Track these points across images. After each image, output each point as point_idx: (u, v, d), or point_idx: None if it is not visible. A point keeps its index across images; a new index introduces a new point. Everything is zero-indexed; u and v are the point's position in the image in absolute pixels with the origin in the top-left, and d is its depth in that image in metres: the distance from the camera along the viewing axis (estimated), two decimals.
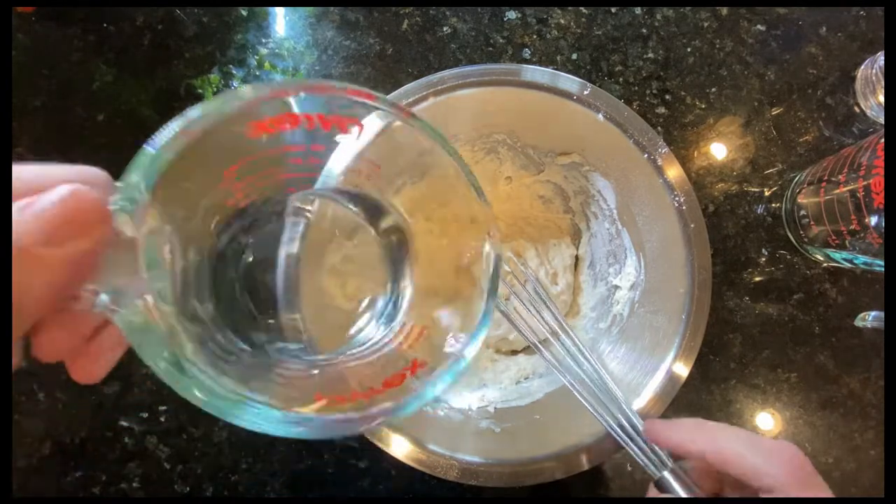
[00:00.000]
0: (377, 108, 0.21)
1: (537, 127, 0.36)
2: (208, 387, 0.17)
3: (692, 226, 0.33)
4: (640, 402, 0.33)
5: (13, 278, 0.15)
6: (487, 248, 0.23)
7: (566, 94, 0.34)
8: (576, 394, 0.32)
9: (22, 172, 0.17)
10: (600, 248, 0.40)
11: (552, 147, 0.38)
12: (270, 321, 0.24)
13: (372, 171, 0.24)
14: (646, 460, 0.29)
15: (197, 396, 0.16)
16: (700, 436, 0.26)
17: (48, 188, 0.16)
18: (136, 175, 0.17)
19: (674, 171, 0.34)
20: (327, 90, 0.20)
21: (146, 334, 0.16)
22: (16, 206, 0.16)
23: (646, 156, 0.34)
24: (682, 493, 0.27)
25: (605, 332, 0.37)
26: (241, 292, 0.23)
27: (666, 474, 0.28)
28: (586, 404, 0.31)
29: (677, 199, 0.33)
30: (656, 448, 0.29)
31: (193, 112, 0.17)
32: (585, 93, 0.34)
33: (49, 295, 0.16)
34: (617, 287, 0.38)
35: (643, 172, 0.34)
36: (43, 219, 0.16)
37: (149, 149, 0.17)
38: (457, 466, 0.31)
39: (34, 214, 0.16)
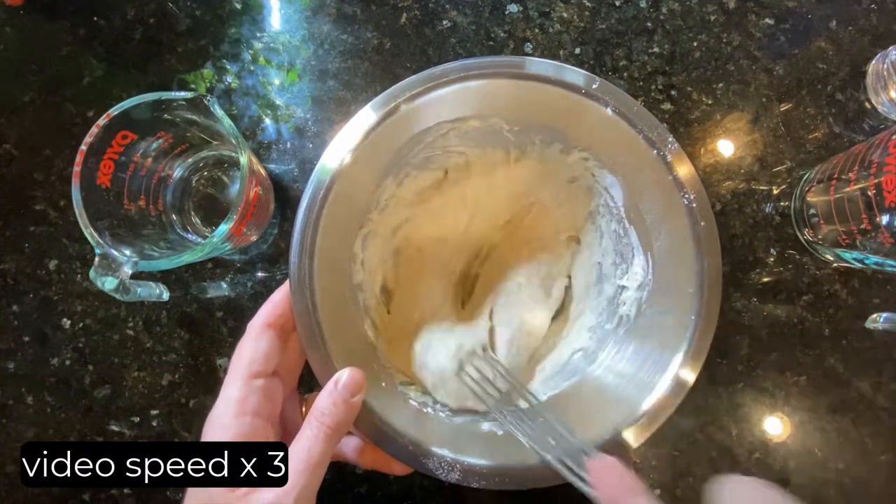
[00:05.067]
0: None
1: (542, 121, 0.35)
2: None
3: (702, 224, 0.32)
4: (647, 404, 0.32)
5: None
6: None
7: (573, 88, 0.33)
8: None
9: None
10: (607, 247, 0.39)
11: (557, 142, 0.37)
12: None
13: None
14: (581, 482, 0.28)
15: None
16: None
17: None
18: None
19: (684, 168, 0.33)
20: None
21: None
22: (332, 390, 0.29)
23: (655, 152, 0.33)
24: None
25: (611, 332, 0.36)
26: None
27: None
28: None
29: (687, 196, 0.32)
30: None
31: None
32: (594, 87, 0.33)
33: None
34: (624, 287, 0.37)
35: (652, 169, 0.33)
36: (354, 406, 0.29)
37: None
38: (459, 468, 0.30)
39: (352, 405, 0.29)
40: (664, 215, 0.34)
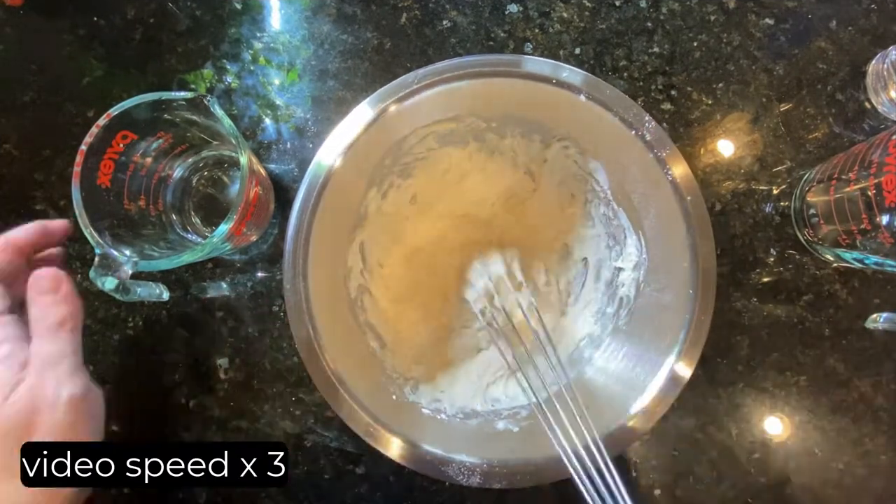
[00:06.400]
0: None
1: (518, 115, 0.36)
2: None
3: (689, 199, 0.32)
4: (655, 387, 0.32)
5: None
6: None
7: (543, 79, 0.33)
8: (541, 416, 0.31)
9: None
10: (599, 232, 0.39)
11: (536, 134, 0.37)
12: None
13: None
14: (597, 498, 0.27)
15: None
16: None
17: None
18: None
19: (664, 146, 0.33)
20: None
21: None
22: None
23: (633, 132, 0.33)
24: None
25: (612, 316, 0.37)
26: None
27: None
28: (548, 428, 0.30)
29: (670, 173, 0.33)
30: (613, 489, 0.27)
31: None
32: (564, 76, 0.33)
33: None
34: (620, 269, 0.37)
35: (632, 149, 0.33)
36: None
37: None
38: (479, 472, 0.30)
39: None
40: (650, 193, 0.34)
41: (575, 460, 0.29)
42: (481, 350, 0.40)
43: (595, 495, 0.27)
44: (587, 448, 0.29)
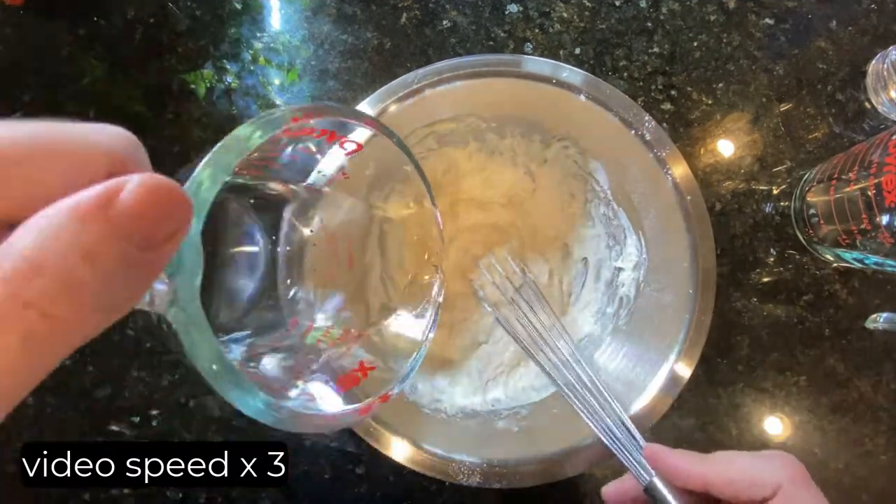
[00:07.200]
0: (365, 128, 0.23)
1: (518, 115, 0.36)
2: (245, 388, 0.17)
3: (689, 198, 0.33)
4: (655, 387, 0.32)
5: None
6: (437, 282, 0.24)
7: (542, 79, 0.34)
8: (570, 400, 0.31)
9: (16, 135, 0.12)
10: (599, 232, 0.39)
11: (536, 134, 0.37)
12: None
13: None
14: (638, 468, 0.29)
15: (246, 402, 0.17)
16: (700, 461, 0.27)
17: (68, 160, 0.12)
18: (209, 174, 0.16)
19: (664, 145, 0.33)
20: (339, 116, 0.22)
21: (200, 333, 0.15)
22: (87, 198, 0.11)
23: (633, 132, 0.33)
24: (671, 499, 0.28)
25: (612, 316, 0.37)
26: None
27: (655, 480, 0.28)
28: (580, 410, 0.31)
29: (670, 172, 0.33)
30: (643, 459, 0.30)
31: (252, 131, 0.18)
32: (564, 76, 0.33)
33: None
34: (620, 269, 0.37)
35: (632, 149, 0.34)
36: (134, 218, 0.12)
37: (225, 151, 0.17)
38: (479, 472, 0.30)
39: (126, 214, 0.11)
40: (650, 193, 0.34)
41: (605, 432, 0.30)
42: (481, 344, 0.40)
43: (631, 460, 0.30)
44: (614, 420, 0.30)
